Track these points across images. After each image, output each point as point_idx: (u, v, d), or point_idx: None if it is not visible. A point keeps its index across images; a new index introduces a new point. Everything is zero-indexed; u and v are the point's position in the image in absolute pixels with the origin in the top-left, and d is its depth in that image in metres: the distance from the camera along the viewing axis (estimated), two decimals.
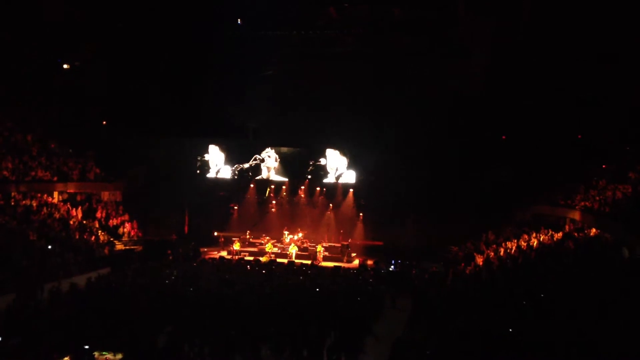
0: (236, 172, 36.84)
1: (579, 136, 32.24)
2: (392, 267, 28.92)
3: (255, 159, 36.46)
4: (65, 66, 34.06)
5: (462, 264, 26.17)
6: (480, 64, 32.42)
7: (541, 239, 25.54)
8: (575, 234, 24.77)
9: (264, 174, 36.65)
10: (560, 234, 25.40)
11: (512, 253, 25.08)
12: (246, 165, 36.55)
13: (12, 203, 27.31)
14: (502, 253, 25.72)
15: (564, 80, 30.33)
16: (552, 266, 20.72)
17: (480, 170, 32.19)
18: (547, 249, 23.97)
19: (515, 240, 26.69)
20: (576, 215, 26.60)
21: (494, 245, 27.34)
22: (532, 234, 26.76)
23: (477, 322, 15.29)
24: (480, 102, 32.35)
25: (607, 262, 19.12)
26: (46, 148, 32.26)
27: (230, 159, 36.93)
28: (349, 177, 35.52)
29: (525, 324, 14.72)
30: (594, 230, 24.09)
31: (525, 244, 25.56)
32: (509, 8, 31.03)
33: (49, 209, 28.57)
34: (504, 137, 34.29)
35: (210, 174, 36.87)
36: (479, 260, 25.69)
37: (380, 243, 34.03)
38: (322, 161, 35.72)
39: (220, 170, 36.84)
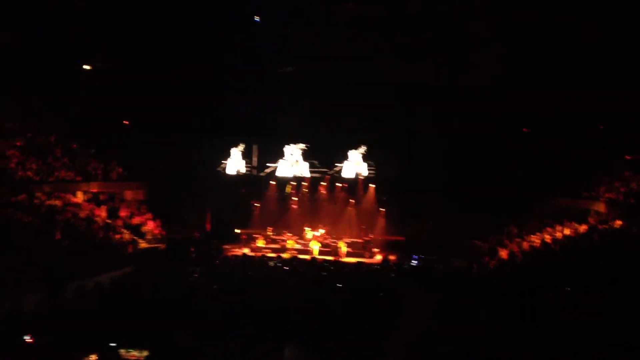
0: (253, 169, 37.01)
1: (601, 127, 31.80)
2: (415, 262, 28.81)
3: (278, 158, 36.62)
4: (86, 67, 34.31)
5: (486, 258, 25.99)
6: (499, 55, 32.07)
7: (565, 232, 25.27)
8: (600, 227, 24.46)
9: (285, 171, 36.68)
10: (584, 227, 25.10)
11: (537, 246, 24.86)
12: (270, 165, 36.72)
13: (37, 203, 27.63)
14: (526, 247, 25.49)
15: (584, 69, 29.91)
16: (577, 259, 20.51)
17: (502, 163, 31.92)
18: (572, 242, 23.72)
19: (539, 234, 26.44)
20: (600, 207, 26.29)
21: (518, 239, 27.09)
22: (556, 227, 26.48)
23: (502, 316, 15.17)
24: (499, 94, 32.01)
25: (633, 254, 18.88)
26: (69, 148, 32.62)
27: (250, 156, 37.07)
28: (366, 171, 35.48)
29: (550, 318, 14.57)
30: (618, 222, 23.76)
31: (549, 237, 25.31)
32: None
33: (74, 209, 28.87)
34: (525, 129, 33.94)
35: (231, 172, 37.02)
36: (503, 254, 25.49)
37: (403, 238, 33.88)
38: (344, 163, 35.82)
39: (240, 168, 36.97)
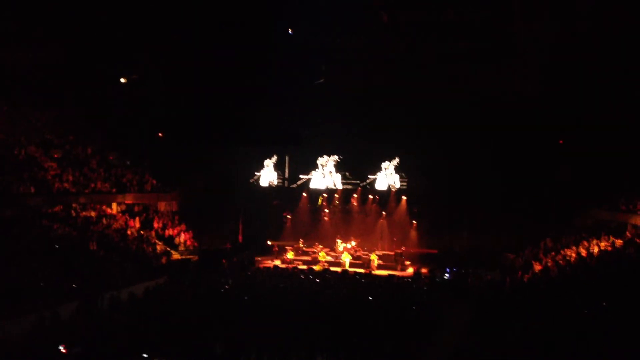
0: (285, 181, 37.22)
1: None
2: (447, 275, 28.48)
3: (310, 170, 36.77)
4: (122, 80, 34.91)
5: (520, 272, 25.57)
6: (537, 64, 31.66)
7: (602, 246, 24.76)
8: (638, 240, 23.92)
9: (317, 184, 36.78)
10: (621, 241, 24.57)
11: (572, 260, 24.39)
12: (303, 177, 36.86)
13: (73, 214, 28.11)
14: (561, 260, 25.03)
15: (622, 79, 29.35)
16: (613, 274, 20.07)
17: (538, 175, 31.49)
18: (608, 257, 23.23)
19: (575, 247, 25.94)
20: (638, 221, 25.70)
21: (553, 253, 26.61)
22: (592, 240, 25.96)
23: (537, 331, 14.91)
24: (536, 104, 31.58)
25: None
26: (105, 160, 33.18)
27: (282, 168, 37.28)
28: (399, 183, 35.37)
29: (586, 333, 14.27)
30: None
31: (585, 251, 24.83)
32: (566, 6, 30.16)
33: (108, 220, 29.29)
34: (561, 141, 33.40)
35: (264, 183, 37.27)
36: (537, 267, 25.08)
37: (435, 251, 33.59)
38: (377, 175, 35.75)
39: (272, 180, 37.21)
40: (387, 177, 35.84)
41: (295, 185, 37.41)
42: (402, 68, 34.10)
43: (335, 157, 36.39)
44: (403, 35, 33.38)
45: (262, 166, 37.42)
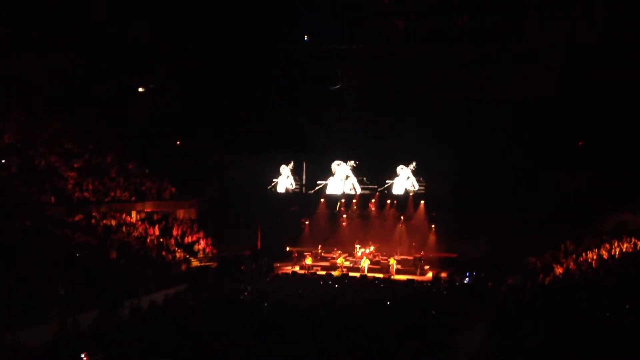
0: (303, 187, 37.28)
1: None
2: (467, 279, 28.29)
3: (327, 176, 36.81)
4: (140, 89, 35.22)
5: (541, 275, 25.31)
6: (553, 66, 31.36)
7: (624, 248, 24.45)
8: None
9: (334, 189, 36.82)
10: None
11: (593, 263, 24.10)
12: (320, 182, 36.94)
13: (93, 223, 28.37)
14: (582, 263, 24.74)
15: None
16: (635, 276, 19.80)
17: (558, 178, 31.20)
18: (630, 259, 22.93)
19: (596, 250, 25.63)
20: None
21: (574, 256, 26.31)
22: (614, 242, 25.63)
23: (559, 335, 14.75)
24: (554, 107, 31.29)
25: None
26: (124, 169, 33.48)
27: (300, 174, 37.38)
28: (416, 187, 35.27)
29: (608, 336, 14.09)
30: None
31: (606, 253, 24.53)
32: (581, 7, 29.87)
33: (128, 228, 29.53)
34: (580, 142, 33.04)
35: (281, 190, 37.39)
36: (559, 271, 24.81)
37: (454, 255, 33.36)
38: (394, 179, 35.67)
39: (289, 186, 37.32)
40: (404, 182, 35.75)
41: (312, 192, 37.44)
42: (418, 72, 33.95)
43: (352, 162, 36.37)
44: (418, 40, 33.26)
45: (279, 173, 37.52)
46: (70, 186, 29.45)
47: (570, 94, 30.73)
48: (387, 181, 36.32)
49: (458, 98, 33.02)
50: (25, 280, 19.72)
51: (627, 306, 16.72)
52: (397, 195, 35.94)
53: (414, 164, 35.53)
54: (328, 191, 36.99)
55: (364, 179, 36.97)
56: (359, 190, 36.82)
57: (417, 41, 33.56)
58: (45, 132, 31.89)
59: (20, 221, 24.47)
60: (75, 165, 31.03)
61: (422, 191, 35.47)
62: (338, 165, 36.68)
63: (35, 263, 21.28)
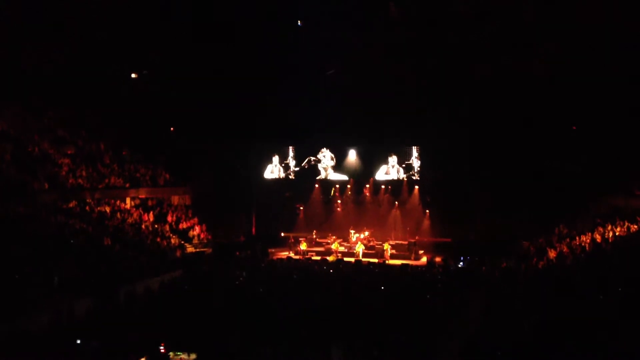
0: (290, 173, 37.24)
1: None
2: (461, 263, 28.44)
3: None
4: (133, 75, 34.98)
5: (535, 259, 25.45)
6: (548, 50, 31.23)
7: (617, 232, 24.58)
8: None
9: (322, 175, 36.80)
10: (636, 227, 24.37)
11: (587, 247, 24.23)
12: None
13: (88, 209, 28.32)
14: (575, 247, 24.88)
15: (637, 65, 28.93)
16: (628, 259, 19.93)
17: (550, 161, 31.26)
18: (623, 242, 23.07)
19: (590, 234, 25.77)
20: None
21: (567, 239, 26.45)
22: (607, 226, 25.76)
23: (553, 318, 14.85)
24: (548, 90, 31.24)
25: None
26: (118, 155, 33.37)
27: (288, 159, 37.37)
28: (411, 172, 35.28)
29: (602, 319, 14.20)
30: None
31: (600, 237, 24.65)
32: None
33: (122, 215, 29.49)
34: (574, 127, 33.06)
35: (272, 176, 37.36)
36: (552, 254, 24.94)
37: (449, 240, 33.51)
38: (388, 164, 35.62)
39: (280, 173, 37.31)
40: (394, 169, 35.63)
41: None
42: (410, 59, 33.77)
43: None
44: (412, 26, 33.02)
45: (271, 160, 37.46)
46: (64, 173, 29.34)
47: (564, 78, 30.70)
48: (382, 166, 36.00)
49: (453, 82, 32.88)
50: (19, 268, 19.67)
51: (619, 289, 16.82)
52: (391, 180, 35.75)
53: (408, 149, 35.26)
54: (320, 177, 36.82)
55: (357, 164, 36.72)
56: (345, 177, 36.72)
57: (410, 27, 33.34)
58: (38, 120, 31.74)
59: (13, 208, 24.39)
60: (68, 152, 30.89)
61: (417, 176, 35.19)
62: (323, 151, 36.70)
63: (30, 250, 21.23)
